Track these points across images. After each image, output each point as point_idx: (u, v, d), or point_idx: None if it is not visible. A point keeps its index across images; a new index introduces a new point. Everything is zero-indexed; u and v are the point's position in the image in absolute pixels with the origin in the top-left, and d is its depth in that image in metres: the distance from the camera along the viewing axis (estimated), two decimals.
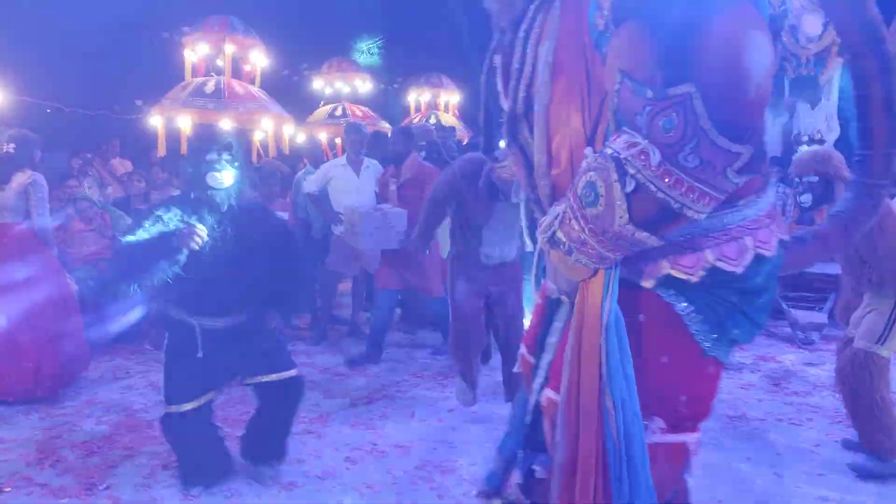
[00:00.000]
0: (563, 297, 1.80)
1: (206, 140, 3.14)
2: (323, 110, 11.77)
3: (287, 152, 9.58)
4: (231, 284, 3.03)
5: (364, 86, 12.21)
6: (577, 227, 1.50)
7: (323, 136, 11.14)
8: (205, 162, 3.01)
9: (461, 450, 3.63)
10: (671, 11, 1.37)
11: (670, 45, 1.37)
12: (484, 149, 2.77)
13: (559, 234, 1.55)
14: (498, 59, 1.88)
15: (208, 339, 3.09)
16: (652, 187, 1.39)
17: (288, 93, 11.64)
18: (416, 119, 12.41)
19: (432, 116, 12.35)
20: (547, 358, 1.84)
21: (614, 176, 1.41)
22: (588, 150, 1.53)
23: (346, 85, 12.03)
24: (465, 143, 8.71)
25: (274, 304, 3.25)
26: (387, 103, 14.33)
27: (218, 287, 3.01)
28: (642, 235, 1.45)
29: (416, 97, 13.33)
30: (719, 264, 1.57)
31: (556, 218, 1.57)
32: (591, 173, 1.46)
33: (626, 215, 1.43)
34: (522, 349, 2.02)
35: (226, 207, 3.06)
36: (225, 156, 3.02)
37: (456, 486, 3.22)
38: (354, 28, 16.93)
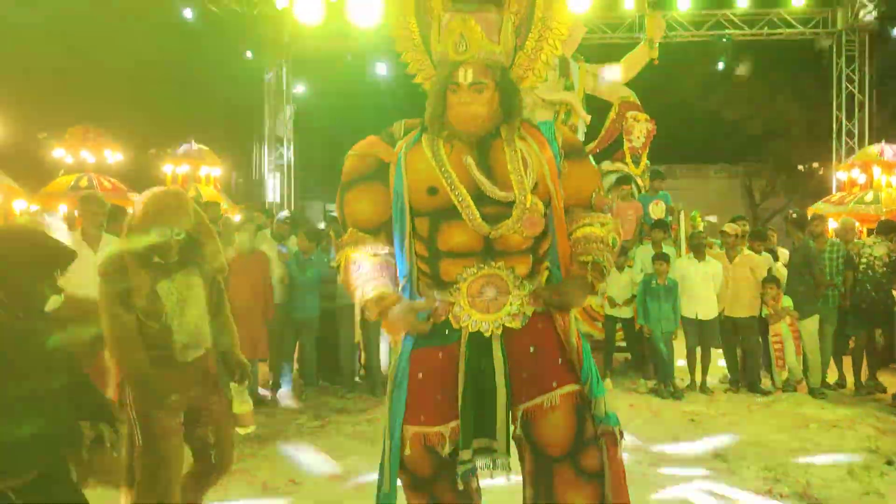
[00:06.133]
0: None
1: None
2: (64, 181, 10.64)
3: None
4: None
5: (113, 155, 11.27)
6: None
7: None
8: None
9: None
10: None
11: None
12: None
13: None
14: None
15: None
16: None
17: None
18: None
19: (192, 189, 11.66)
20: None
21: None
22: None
23: (91, 154, 10.99)
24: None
25: None
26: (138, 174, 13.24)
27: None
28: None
29: (173, 169, 12.53)
30: None
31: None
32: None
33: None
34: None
35: None
36: None
37: None
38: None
